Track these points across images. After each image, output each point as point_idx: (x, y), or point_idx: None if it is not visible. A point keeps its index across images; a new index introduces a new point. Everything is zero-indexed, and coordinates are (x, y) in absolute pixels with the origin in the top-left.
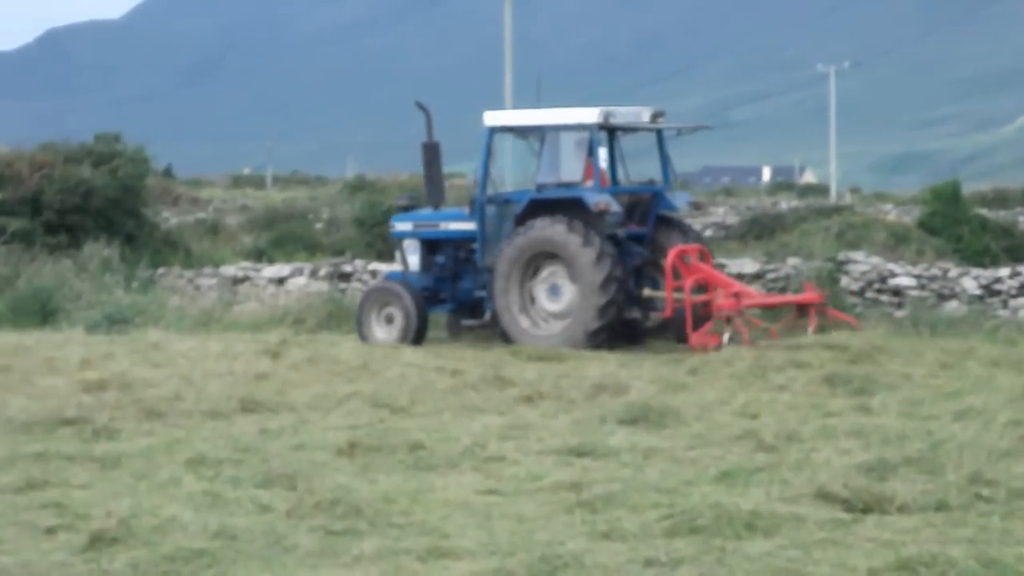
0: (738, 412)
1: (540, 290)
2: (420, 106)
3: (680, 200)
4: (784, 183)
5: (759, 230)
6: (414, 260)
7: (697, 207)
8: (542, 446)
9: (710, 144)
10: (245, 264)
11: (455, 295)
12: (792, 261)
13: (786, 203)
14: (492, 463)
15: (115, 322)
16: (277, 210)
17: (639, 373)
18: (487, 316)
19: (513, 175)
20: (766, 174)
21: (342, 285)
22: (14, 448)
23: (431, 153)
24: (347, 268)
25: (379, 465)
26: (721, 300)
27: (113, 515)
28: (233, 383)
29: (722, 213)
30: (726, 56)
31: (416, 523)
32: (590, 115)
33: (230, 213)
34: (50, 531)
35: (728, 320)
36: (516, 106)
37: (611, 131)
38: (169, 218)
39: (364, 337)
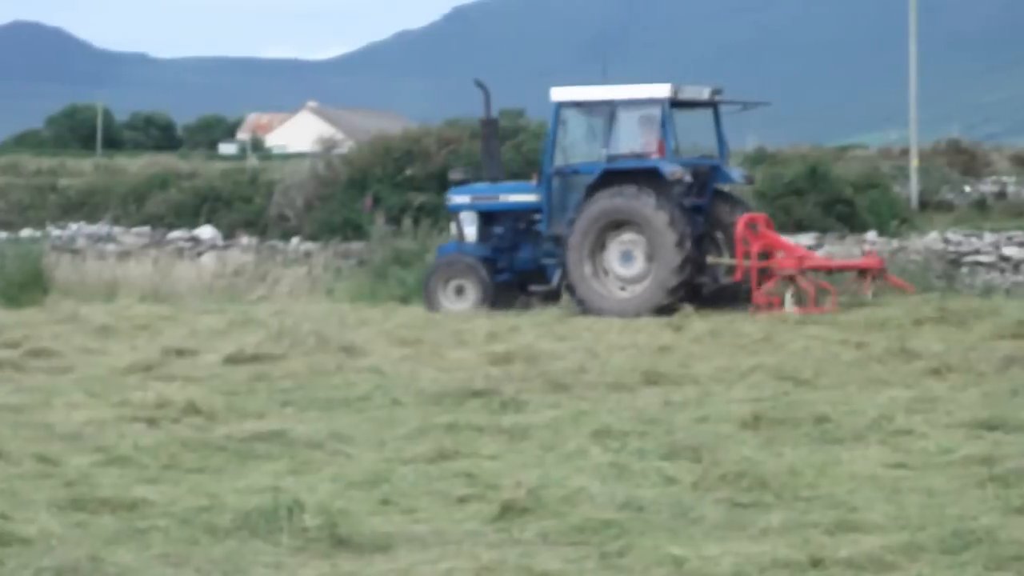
0: None
1: (613, 257)
2: (479, 84)
3: (736, 174)
4: None
5: None
6: (471, 231)
7: (750, 181)
8: (951, 419)
9: None
10: None
11: (513, 265)
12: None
13: None
14: (899, 436)
15: None
16: None
17: None
18: (554, 282)
19: (573, 149)
20: None
21: None
22: (426, 419)
23: (489, 129)
24: None
25: (784, 438)
26: (780, 261)
27: (522, 485)
28: (636, 355)
29: None
30: None
31: (823, 496)
32: (662, 90)
33: None
34: (462, 500)
35: (791, 279)
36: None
37: (675, 107)
38: None
39: (434, 308)
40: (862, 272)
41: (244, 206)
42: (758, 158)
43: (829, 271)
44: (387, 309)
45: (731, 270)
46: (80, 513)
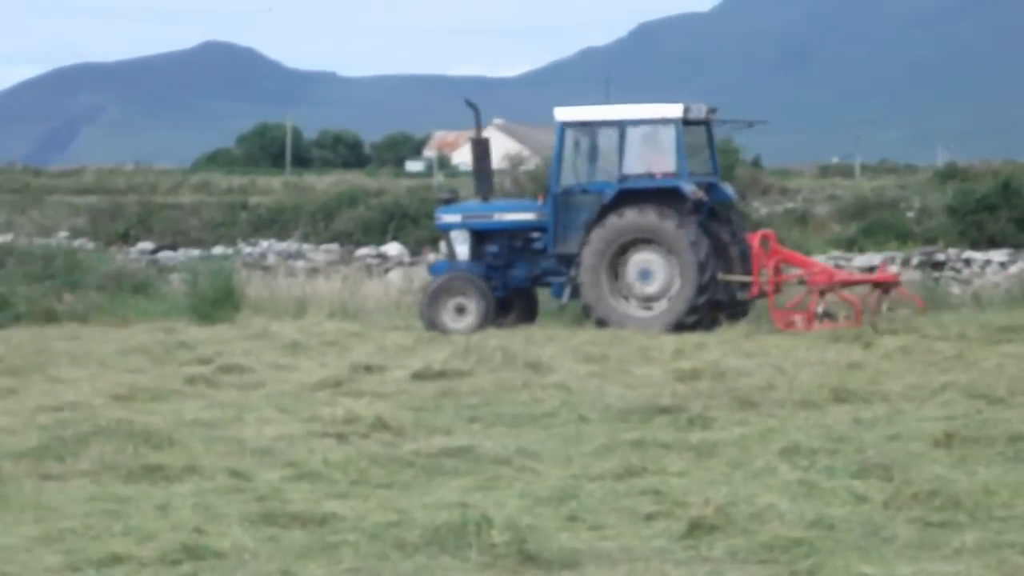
0: None
1: (631, 274)
2: (469, 103)
3: (730, 192)
4: None
5: None
6: (463, 250)
7: (743, 197)
8: None
9: None
10: (835, 253)
11: (506, 283)
12: None
13: None
14: None
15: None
16: (866, 199)
17: None
18: (564, 300)
19: (580, 168)
20: None
21: (935, 274)
22: (613, 435)
23: (480, 148)
24: (940, 257)
25: (977, 456)
26: (814, 276)
27: (711, 502)
28: (825, 372)
29: None
30: None
31: (1018, 516)
32: (674, 110)
33: (819, 203)
34: (650, 517)
35: (821, 294)
36: None
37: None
38: (759, 208)
39: (435, 327)
40: (876, 285)
41: (430, 223)
42: (948, 173)
43: (847, 285)
44: (572, 326)
45: (746, 286)
46: (272, 527)
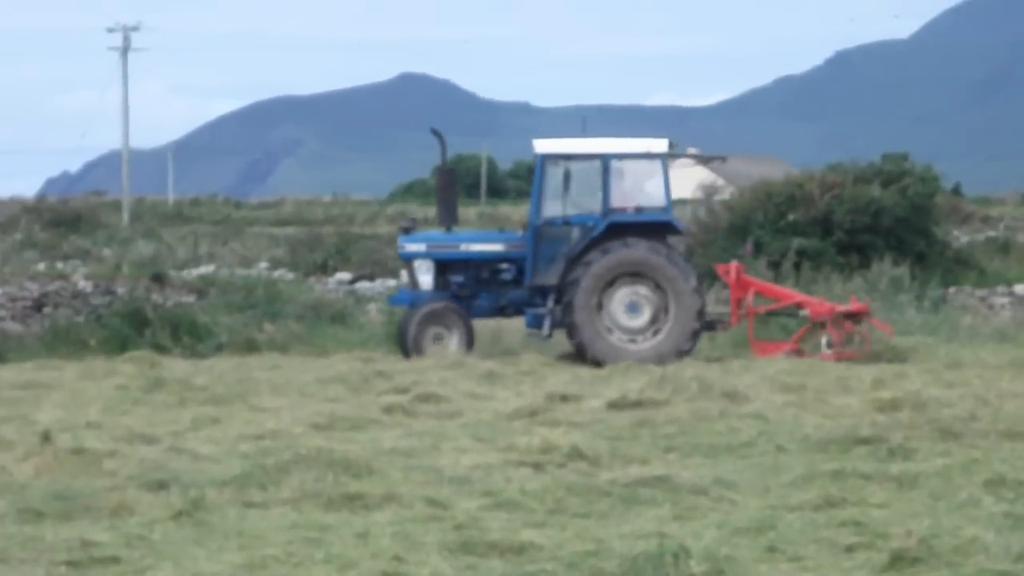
0: None
1: (617, 308)
2: (435, 132)
3: (681, 224)
4: None
5: None
6: (426, 280)
7: (688, 231)
8: None
9: None
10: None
11: (471, 314)
12: None
13: None
14: None
15: None
16: None
17: None
18: (545, 331)
19: (560, 201)
20: None
21: None
22: (811, 466)
23: (447, 178)
24: None
25: None
26: (815, 307)
27: (913, 534)
28: None
29: None
30: None
31: None
32: (660, 145)
33: (1021, 231)
34: (850, 549)
35: (823, 325)
36: None
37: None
38: (959, 237)
39: (414, 354)
40: (849, 316)
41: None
42: None
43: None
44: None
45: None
46: (470, 556)
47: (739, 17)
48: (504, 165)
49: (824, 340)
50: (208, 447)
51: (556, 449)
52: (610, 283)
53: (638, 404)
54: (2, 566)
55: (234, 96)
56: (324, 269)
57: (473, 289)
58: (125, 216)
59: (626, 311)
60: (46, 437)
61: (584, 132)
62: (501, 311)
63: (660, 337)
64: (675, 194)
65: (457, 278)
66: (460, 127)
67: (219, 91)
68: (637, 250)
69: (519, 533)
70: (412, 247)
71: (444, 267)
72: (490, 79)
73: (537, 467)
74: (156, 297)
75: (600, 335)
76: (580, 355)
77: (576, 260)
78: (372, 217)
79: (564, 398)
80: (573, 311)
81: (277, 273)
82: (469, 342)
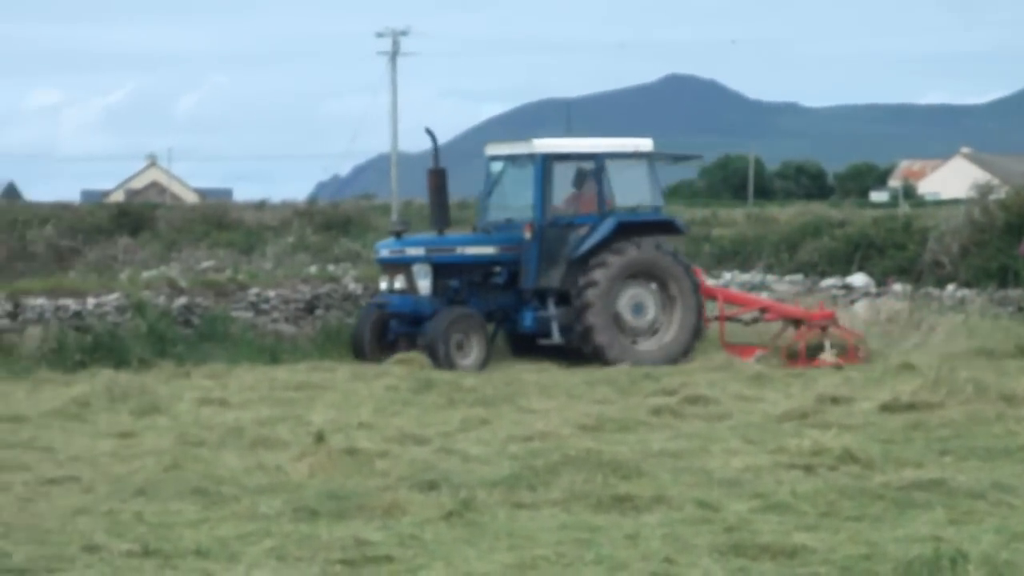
0: None
1: (624, 309)
2: (428, 132)
3: (681, 223)
4: None
5: None
6: (425, 284)
7: None
8: None
9: None
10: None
11: None
12: None
13: None
14: None
15: None
16: None
17: None
18: (555, 337)
19: (505, 202)
20: None
21: None
22: None
23: (437, 179)
24: None
25: None
26: (815, 313)
27: None
28: None
29: None
30: None
31: None
32: (646, 144)
33: None
34: None
35: (824, 329)
36: None
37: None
38: None
39: (445, 365)
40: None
41: (897, 253)
42: None
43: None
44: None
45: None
46: (741, 559)
47: (1017, 14)
48: (772, 166)
49: (828, 346)
50: (478, 448)
51: (827, 451)
52: (622, 284)
53: (911, 407)
54: (279, 563)
55: (501, 99)
56: None
57: (467, 294)
58: (394, 218)
59: (632, 311)
60: (320, 437)
61: (856, 132)
62: (489, 316)
63: (667, 337)
64: (948, 193)
65: (452, 282)
66: (726, 128)
67: (486, 94)
68: (648, 251)
69: (791, 536)
70: (412, 251)
71: (441, 271)
72: (757, 79)
73: (808, 469)
74: None
75: (616, 338)
76: (598, 358)
77: (585, 261)
78: None
79: (835, 400)
80: (590, 312)
81: None
82: (489, 350)
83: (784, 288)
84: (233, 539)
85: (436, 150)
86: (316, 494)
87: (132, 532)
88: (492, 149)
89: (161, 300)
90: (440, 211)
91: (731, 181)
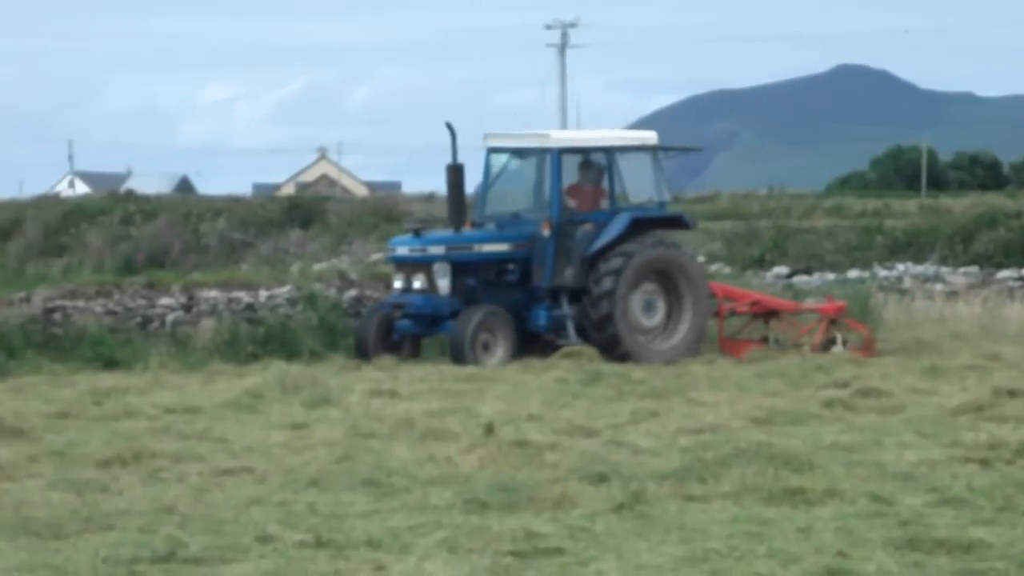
0: None
1: (636, 307)
2: (448, 126)
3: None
4: None
5: None
6: (444, 283)
7: None
8: None
9: None
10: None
11: None
12: None
13: None
14: None
15: None
16: None
17: None
18: (572, 338)
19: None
20: None
21: None
22: None
23: (455, 175)
24: None
25: None
26: (825, 306)
27: None
28: None
29: None
30: None
31: None
32: (651, 136)
33: None
34: None
35: (833, 322)
36: None
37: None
38: None
39: (470, 362)
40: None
41: None
42: None
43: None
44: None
45: None
46: (916, 553)
47: None
48: (945, 157)
49: (840, 338)
50: (648, 440)
51: (1004, 445)
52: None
53: None
54: (451, 555)
55: (671, 90)
56: (761, 263)
57: (483, 293)
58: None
59: (643, 310)
60: (490, 429)
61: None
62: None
63: (678, 337)
64: None
65: (470, 281)
66: (899, 118)
67: (656, 86)
68: (668, 248)
69: (967, 530)
70: (433, 249)
71: (459, 269)
72: (930, 68)
73: (984, 463)
74: None
75: (634, 331)
76: (610, 352)
77: (604, 255)
78: (808, 211)
79: (1012, 393)
80: (612, 303)
81: (714, 267)
82: (514, 350)
83: (959, 280)
84: (404, 530)
85: (455, 145)
86: (486, 486)
87: (305, 523)
88: (494, 140)
89: (332, 292)
90: (457, 208)
91: (903, 172)
